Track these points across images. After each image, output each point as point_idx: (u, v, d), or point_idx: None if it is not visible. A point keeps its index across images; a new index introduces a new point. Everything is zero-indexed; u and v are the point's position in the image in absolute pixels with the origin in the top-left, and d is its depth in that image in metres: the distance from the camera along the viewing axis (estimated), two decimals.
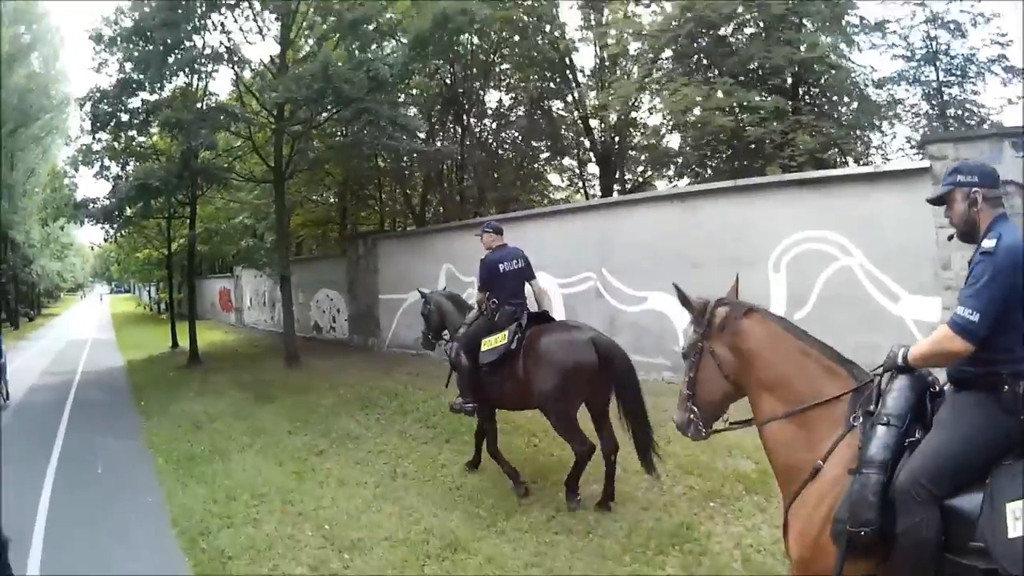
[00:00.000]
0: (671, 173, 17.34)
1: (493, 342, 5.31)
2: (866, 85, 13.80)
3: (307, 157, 14.13)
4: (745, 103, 12.18)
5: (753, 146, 12.68)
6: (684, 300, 2.85)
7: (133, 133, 13.88)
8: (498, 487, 5.98)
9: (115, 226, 14.81)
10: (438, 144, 17.28)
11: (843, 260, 7.46)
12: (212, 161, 13.27)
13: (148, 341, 21.91)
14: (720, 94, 12.09)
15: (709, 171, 15.09)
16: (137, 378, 14.30)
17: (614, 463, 5.11)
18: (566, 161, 19.35)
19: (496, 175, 18.15)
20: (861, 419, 2.35)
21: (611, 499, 5.10)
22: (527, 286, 5.69)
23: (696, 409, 2.74)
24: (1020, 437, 2.13)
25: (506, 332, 5.27)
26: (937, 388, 2.40)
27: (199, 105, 12.57)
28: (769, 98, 12.28)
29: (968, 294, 2.16)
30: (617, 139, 17.27)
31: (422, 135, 16.07)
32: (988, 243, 2.18)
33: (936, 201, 2.40)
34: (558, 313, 9.63)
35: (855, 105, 13.81)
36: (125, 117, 12.91)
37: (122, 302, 58.55)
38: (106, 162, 14.70)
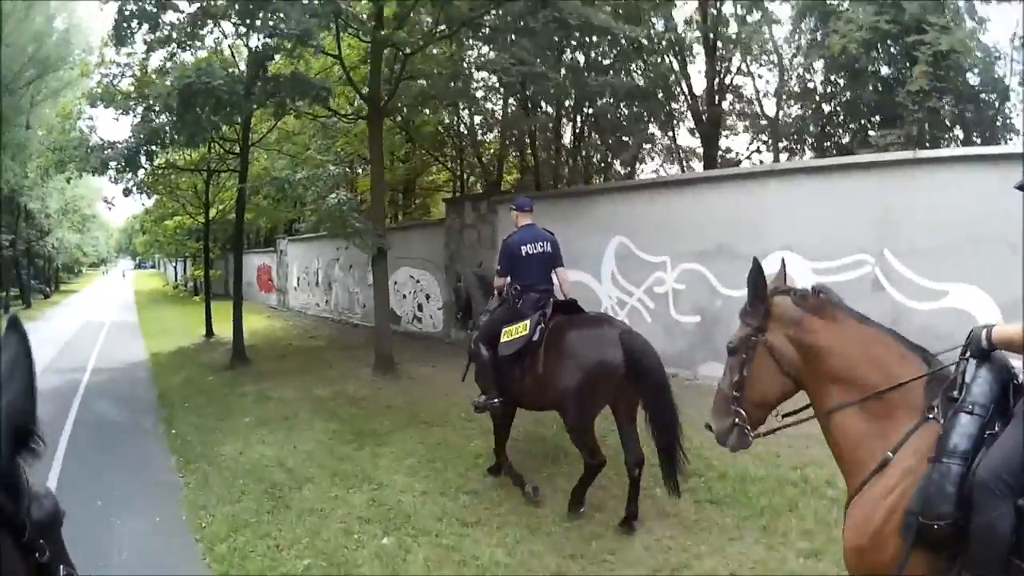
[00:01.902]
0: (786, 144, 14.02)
1: (513, 332, 4.74)
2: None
3: (418, 86, 10.12)
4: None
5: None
6: (756, 279, 2.46)
7: (172, 50, 9.92)
8: None
9: (140, 174, 10.90)
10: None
11: None
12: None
13: (176, 326, 18.20)
14: None
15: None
16: (165, 383, 10.40)
17: (638, 478, 4.37)
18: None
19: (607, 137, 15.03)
20: (941, 407, 2.13)
21: (634, 518, 4.34)
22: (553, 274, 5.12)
23: (743, 412, 2.44)
24: None
25: (527, 322, 4.70)
26: (1020, 380, 2.15)
27: None
28: None
29: None
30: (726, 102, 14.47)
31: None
32: None
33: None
34: None
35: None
36: (167, 19, 8.97)
37: (146, 279, 54.68)
38: (132, 98, 10.80)
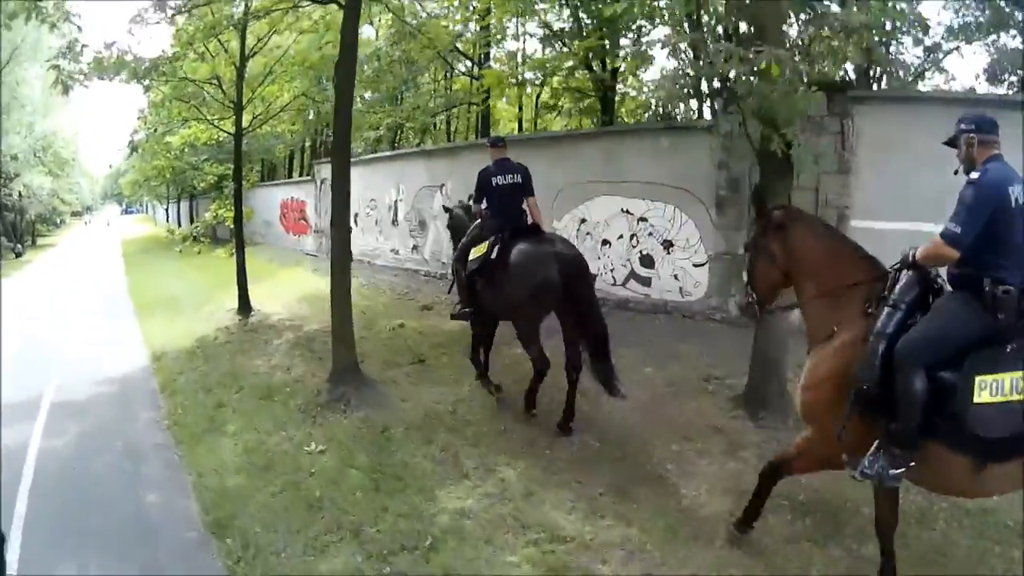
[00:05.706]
0: None
1: (477, 252, 5.29)
2: None
3: None
4: None
5: None
6: (758, 206, 3.45)
7: None
8: None
9: None
10: None
11: None
12: None
13: (182, 293, 12.44)
14: None
15: None
16: (206, 469, 4.72)
17: (575, 381, 4.98)
18: None
19: None
20: (876, 303, 2.91)
21: (571, 419, 4.97)
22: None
23: (755, 295, 3.40)
24: (995, 332, 2.66)
25: (486, 243, 5.21)
26: (938, 285, 2.89)
27: None
28: None
29: (955, 212, 2.67)
30: None
31: None
32: (974, 175, 2.69)
33: (949, 143, 2.83)
34: None
35: None
36: None
37: (134, 225, 46.31)
38: None
